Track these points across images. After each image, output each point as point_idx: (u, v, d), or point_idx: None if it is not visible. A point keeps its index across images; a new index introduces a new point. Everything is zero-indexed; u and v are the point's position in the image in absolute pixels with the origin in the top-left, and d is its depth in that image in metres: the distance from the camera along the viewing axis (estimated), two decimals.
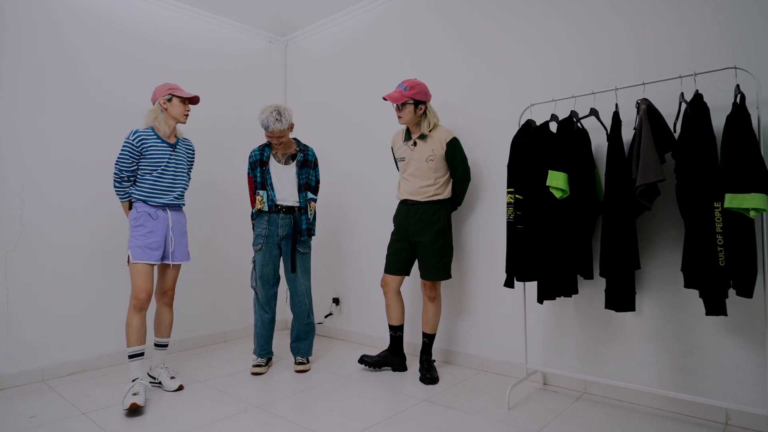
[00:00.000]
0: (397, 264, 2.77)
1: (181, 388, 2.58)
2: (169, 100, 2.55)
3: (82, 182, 2.99)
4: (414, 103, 2.64)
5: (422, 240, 2.67)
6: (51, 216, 2.86)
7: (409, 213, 2.72)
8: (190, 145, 2.73)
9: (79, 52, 3.02)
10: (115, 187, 2.49)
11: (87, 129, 3.03)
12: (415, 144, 2.71)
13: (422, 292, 2.76)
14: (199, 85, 3.61)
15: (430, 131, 2.68)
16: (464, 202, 2.96)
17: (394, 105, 2.69)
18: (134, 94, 3.22)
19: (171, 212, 2.57)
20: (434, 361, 2.85)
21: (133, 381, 2.39)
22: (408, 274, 2.82)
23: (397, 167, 2.88)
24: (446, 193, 2.70)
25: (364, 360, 2.82)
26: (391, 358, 2.84)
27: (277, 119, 2.74)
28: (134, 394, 2.31)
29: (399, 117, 2.69)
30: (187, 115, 2.61)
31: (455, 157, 2.66)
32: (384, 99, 2.66)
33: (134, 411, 2.28)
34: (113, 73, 3.16)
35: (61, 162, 2.92)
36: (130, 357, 2.42)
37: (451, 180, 2.72)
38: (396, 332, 2.84)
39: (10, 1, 2.77)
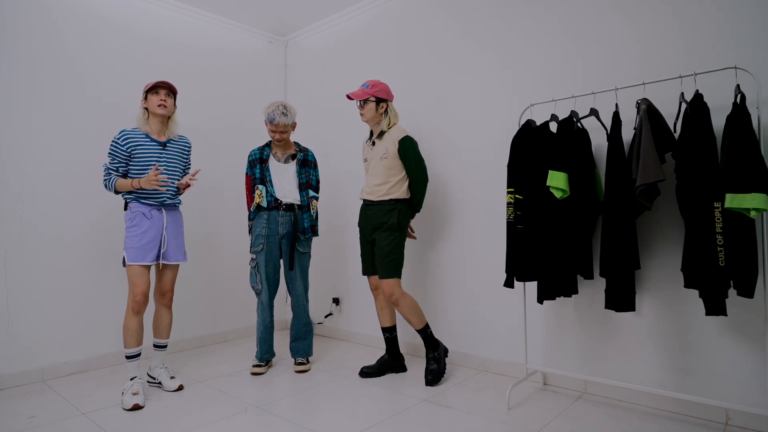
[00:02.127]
0: (371, 265, 2.80)
1: (181, 388, 2.58)
2: (146, 97, 2.51)
3: (82, 182, 2.99)
4: (376, 100, 2.70)
5: (376, 239, 2.70)
6: (51, 216, 2.86)
7: (366, 213, 2.76)
8: (186, 142, 2.68)
9: (79, 52, 3.02)
10: (104, 181, 2.46)
11: (87, 129, 3.03)
12: (374, 144, 2.77)
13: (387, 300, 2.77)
14: (199, 85, 3.61)
15: (388, 128, 2.72)
16: (465, 201, 2.96)
17: (357, 103, 2.75)
18: (134, 95, 3.22)
19: (166, 212, 2.55)
20: (441, 355, 2.67)
21: (131, 380, 2.40)
22: None
23: None
24: (400, 193, 2.69)
25: (365, 372, 2.77)
26: (391, 363, 2.83)
27: (282, 113, 2.79)
28: (134, 394, 2.33)
29: (361, 114, 2.75)
30: (161, 105, 2.49)
31: (407, 155, 2.66)
32: (347, 97, 2.71)
33: (134, 410, 2.30)
34: (113, 73, 3.16)
35: (61, 162, 2.92)
36: (128, 358, 2.43)
37: (408, 180, 2.72)
38: (390, 333, 2.83)
39: (10, 1, 2.77)
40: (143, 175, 2.47)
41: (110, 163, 2.45)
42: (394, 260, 2.65)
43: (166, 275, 2.62)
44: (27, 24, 2.82)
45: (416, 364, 2.99)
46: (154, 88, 2.49)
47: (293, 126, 2.89)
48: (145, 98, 2.51)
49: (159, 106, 2.49)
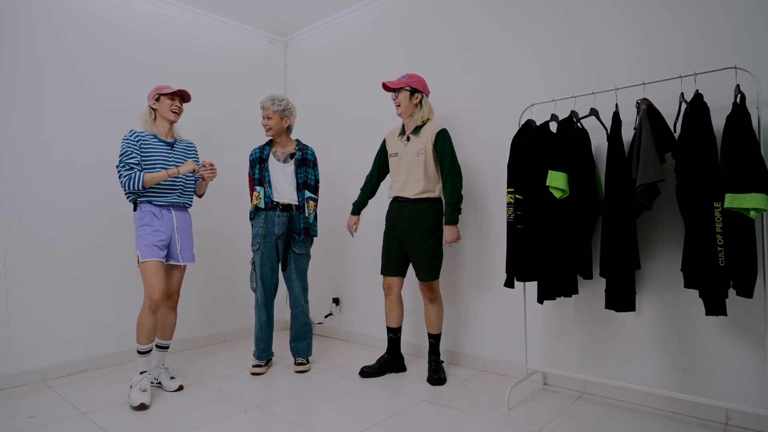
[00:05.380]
0: (393, 265, 2.74)
1: (181, 388, 2.58)
2: (158, 99, 2.53)
3: (81, 182, 2.99)
4: (410, 90, 2.64)
5: (413, 239, 2.63)
6: (50, 216, 2.86)
7: (400, 211, 2.68)
8: (191, 145, 2.70)
9: (79, 52, 3.02)
10: (125, 180, 2.37)
11: (86, 129, 3.03)
12: (408, 139, 2.69)
13: (421, 294, 2.74)
14: (199, 85, 3.61)
15: (423, 123, 2.66)
16: (465, 201, 2.95)
17: (392, 94, 2.70)
18: (134, 95, 3.22)
19: (176, 212, 2.56)
20: (443, 362, 2.82)
21: (141, 374, 2.39)
22: (404, 275, 2.78)
23: (375, 161, 2.90)
24: (437, 192, 2.66)
25: (365, 372, 2.75)
26: (391, 363, 2.81)
27: (271, 99, 2.82)
28: (142, 391, 2.32)
29: (397, 106, 2.69)
30: (176, 112, 2.55)
31: (444, 150, 2.59)
32: (383, 85, 2.68)
33: (140, 409, 2.30)
34: (113, 73, 3.16)
35: (60, 162, 2.92)
36: (140, 353, 2.42)
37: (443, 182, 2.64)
38: (395, 334, 2.81)
39: (10, 1, 2.77)
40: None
41: (128, 158, 2.41)
42: (438, 262, 2.65)
43: (174, 276, 2.61)
44: (26, 24, 2.82)
45: (416, 364, 2.99)
46: (172, 95, 2.53)
47: (284, 119, 2.86)
48: (157, 100, 2.52)
49: (173, 111, 2.54)
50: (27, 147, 2.80)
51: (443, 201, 2.68)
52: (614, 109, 2.17)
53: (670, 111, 2.18)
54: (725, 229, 1.82)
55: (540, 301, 2.28)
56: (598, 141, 2.41)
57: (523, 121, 2.49)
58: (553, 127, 2.46)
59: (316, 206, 2.95)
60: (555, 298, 2.28)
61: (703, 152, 1.85)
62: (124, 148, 2.44)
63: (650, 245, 2.26)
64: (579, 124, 2.31)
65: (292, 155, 2.93)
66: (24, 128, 2.79)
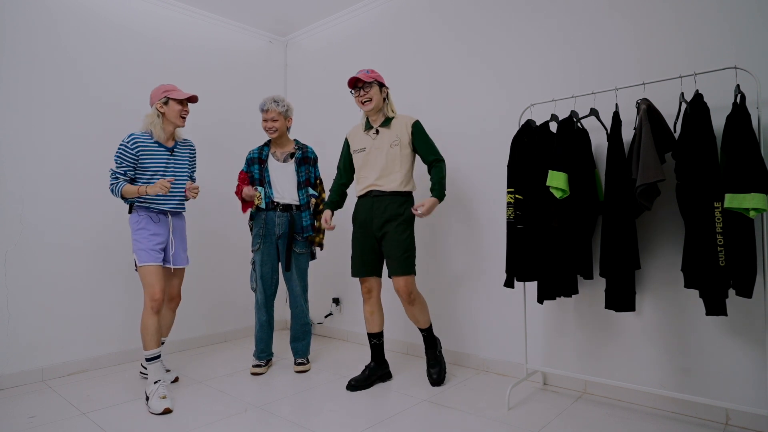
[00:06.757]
0: (370, 264, 2.60)
1: (176, 380, 2.59)
2: (166, 103, 2.48)
3: (81, 182, 2.99)
4: (379, 84, 2.59)
5: (388, 231, 2.52)
6: (50, 216, 2.86)
7: (373, 206, 2.56)
8: (191, 146, 2.69)
9: (79, 52, 3.02)
10: (110, 186, 2.41)
11: (86, 129, 3.03)
12: (377, 132, 2.61)
13: (399, 298, 2.56)
14: (199, 85, 3.61)
15: (391, 117, 2.61)
16: (465, 201, 2.95)
17: (358, 90, 2.57)
18: (134, 95, 3.22)
19: (172, 217, 2.55)
20: (440, 350, 2.69)
21: (155, 383, 2.36)
22: (381, 275, 2.66)
23: (341, 163, 2.77)
24: (411, 185, 2.60)
25: (352, 386, 2.56)
26: (378, 371, 2.66)
27: (274, 100, 2.81)
28: (162, 398, 2.29)
29: (367, 101, 2.56)
30: (184, 117, 2.54)
31: (424, 139, 2.56)
32: (351, 81, 2.54)
33: (165, 413, 2.27)
34: (113, 73, 3.16)
35: (60, 162, 2.92)
36: (149, 360, 2.38)
37: (428, 167, 2.58)
38: (379, 340, 2.66)
39: (10, 1, 2.77)
40: (150, 182, 2.45)
41: (117, 167, 2.41)
42: (413, 255, 2.55)
43: (174, 279, 2.62)
44: (27, 24, 2.82)
45: (415, 363, 2.99)
46: (181, 100, 2.49)
47: (287, 119, 2.87)
48: (165, 103, 2.47)
49: (182, 117, 2.52)
50: (27, 147, 2.80)
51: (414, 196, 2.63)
52: (614, 109, 2.17)
53: (670, 111, 2.18)
54: (725, 229, 1.82)
55: (540, 301, 2.28)
56: (598, 141, 2.41)
57: (523, 121, 2.49)
58: (553, 127, 2.46)
59: (317, 203, 2.95)
60: (555, 298, 2.28)
61: (703, 152, 1.85)
62: (118, 156, 2.42)
63: (650, 245, 2.26)
64: (579, 124, 2.31)
65: (291, 155, 2.93)
66: (24, 128, 2.79)
